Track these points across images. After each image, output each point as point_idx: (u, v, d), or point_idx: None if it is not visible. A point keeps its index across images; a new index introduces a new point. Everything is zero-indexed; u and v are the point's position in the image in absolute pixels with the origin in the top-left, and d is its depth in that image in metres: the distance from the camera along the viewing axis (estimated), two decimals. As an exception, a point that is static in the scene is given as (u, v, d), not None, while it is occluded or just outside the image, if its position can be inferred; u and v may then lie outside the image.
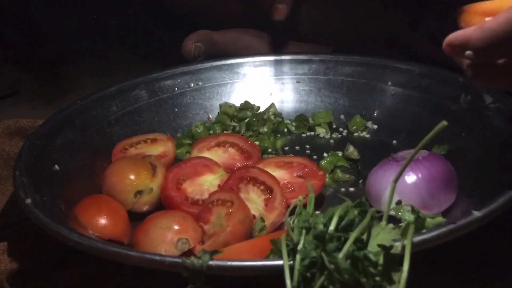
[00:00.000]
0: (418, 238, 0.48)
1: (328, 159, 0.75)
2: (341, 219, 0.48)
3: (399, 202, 0.55)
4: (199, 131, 0.83)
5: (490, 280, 0.58)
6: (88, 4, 1.37)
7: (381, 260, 0.44)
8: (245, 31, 1.09)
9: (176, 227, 0.60)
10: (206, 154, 0.75)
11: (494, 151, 0.66)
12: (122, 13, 1.36)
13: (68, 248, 0.54)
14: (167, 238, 0.60)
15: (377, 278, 0.44)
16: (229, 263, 0.48)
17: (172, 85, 0.87)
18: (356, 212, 0.49)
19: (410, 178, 0.63)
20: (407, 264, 0.44)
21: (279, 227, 0.64)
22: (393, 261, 0.44)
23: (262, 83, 0.90)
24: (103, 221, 0.62)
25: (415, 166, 0.63)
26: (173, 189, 0.67)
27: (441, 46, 0.53)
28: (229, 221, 0.60)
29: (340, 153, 0.77)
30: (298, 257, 0.45)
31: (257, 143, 0.80)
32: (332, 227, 0.47)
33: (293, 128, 0.86)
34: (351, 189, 0.72)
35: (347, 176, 0.74)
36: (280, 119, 0.87)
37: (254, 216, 0.63)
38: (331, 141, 0.83)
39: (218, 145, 0.76)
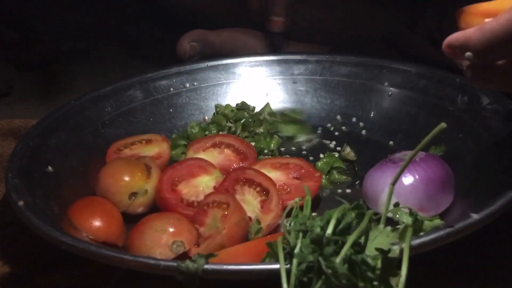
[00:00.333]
0: (416, 242, 0.48)
1: (324, 160, 0.75)
2: (338, 222, 0.47)
3: (396, 204, 0.54)
4: (194, 131, 0.82)
5: (490, 281, 0.57)
6: (83, 4, 1.36)
7: (379, 264, 0.44)
8: (241, 31, 1.09)
9: (171, 230, 0.60)
10: (202, 155, 0.74)
11: (491, 152, 0.66)
12: (117, 13, 1.35)
13: (61, 250, 0.53)
14: (162, 240, 0.59)
15: (375, 283, 0.43)
16: (224, 267, 0.48)
17: (167, 85, 0.87)
18: (353, 214, 0.48)
19: (407, 179, 0.62)
20: (405, 268, 0.44)
21: (275, 229, 0.64)
22: (391, 265, 0.44)
23: (258, 83, 0.90)
24: (97, 223, 0.62)
25: (412, 167, 0.63)
26: (168, 191, 0.66)
27: (440, 47, 0.53)
28: (224, 223, 0.59)
29: (336, 154, 0.76)
30: (295, 261, 0.45)
31: (253, 144, 0.79)
32: (329, 230, 0.46)
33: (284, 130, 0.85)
34: (348, 190, 0.72)
35: (344, 177, 0.74)
36: (275, 119, 0.86)
37: (250, 218, 0.63)
38: (325, 141, 0.82)
39: (214, 146, 0.76)
